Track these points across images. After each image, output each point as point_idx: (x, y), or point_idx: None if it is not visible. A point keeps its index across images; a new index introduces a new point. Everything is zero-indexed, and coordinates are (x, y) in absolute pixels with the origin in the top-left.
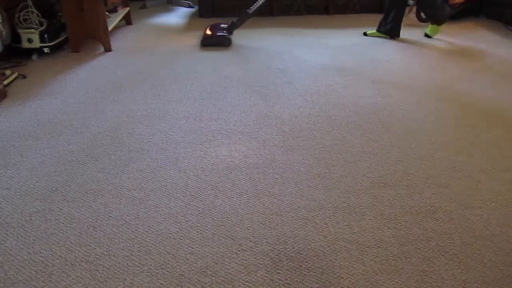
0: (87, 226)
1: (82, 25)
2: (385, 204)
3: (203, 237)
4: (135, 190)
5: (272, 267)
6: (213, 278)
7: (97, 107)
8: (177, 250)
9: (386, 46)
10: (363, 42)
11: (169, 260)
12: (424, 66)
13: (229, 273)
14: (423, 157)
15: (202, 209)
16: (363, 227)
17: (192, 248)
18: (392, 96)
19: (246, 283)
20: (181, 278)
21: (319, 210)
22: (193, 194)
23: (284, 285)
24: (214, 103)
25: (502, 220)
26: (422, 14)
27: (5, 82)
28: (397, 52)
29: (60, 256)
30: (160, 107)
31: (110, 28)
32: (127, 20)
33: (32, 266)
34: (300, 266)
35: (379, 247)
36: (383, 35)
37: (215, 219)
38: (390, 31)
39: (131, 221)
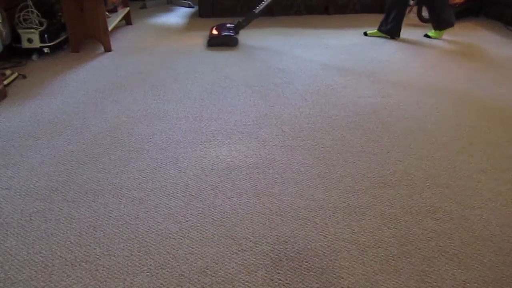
0: (87, 226)
1: (82, 25)
2: (385, 204)
3: (203, 237)
4: (135, 190)
5: (272, 267)
6: (213, 278)
7: (97, 107)
8: (177, 250)
9: (386, 46)
10: (363, 42)
11: (169, 260)
12: (424, 66)
13: (229, 273)
14: (423, 157)
15: (202, 209)
16: (363, 227)
17: (192, 248)
18: (392, 96)
19: (246, 283)
20: (181, 278)
21: (319, 210)
22: (193, 194)
23: (284, 285)
24: (214, 103)
25: (502, 220)
26: (424, 15)
27: (5, 82)
28: (397, 52)
29: (60, 256)
30: (160, 107)
31: (110, 28)
32: (127, 20)
33: (32, 266)
34: (300, 266)
35: (379, 247)
36: (384, 35)
37: (215, 219)
38: (391, 30)
39: (131, 221)
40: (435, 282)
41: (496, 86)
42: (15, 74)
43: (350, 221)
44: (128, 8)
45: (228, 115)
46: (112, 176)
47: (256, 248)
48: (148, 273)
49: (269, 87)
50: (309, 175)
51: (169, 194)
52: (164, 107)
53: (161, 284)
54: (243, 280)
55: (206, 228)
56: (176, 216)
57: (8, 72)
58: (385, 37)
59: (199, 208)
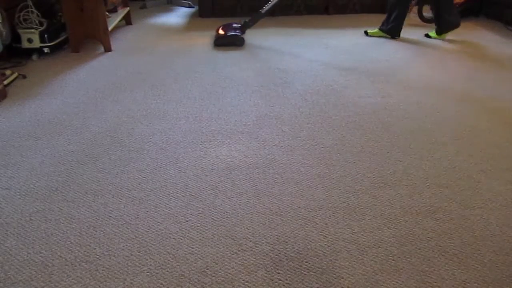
0: (87, 226)
1: (82, 25)
2: (385, 204)
3: (203, 237)
4: (135, 190)
5: (272, 267)
6: (213, 278)
7: (97, 107)
8: (177, 250)
9: (386, 46)
10: (363, 42)
11: (169, 260)
12: (424, 66)
13: (229, 273)
14: (423, 157)
15: (202, 209)
16: (363, 227)
17: (192, 248)
18: (392, 96)
19: (246, 283)
20: (181, 278)
21: (319, 210)
22: (193, 194)
23: (284, 285)
24: (214, 103)
25: (502, 220)
26: (425, 15)
27: (5, 82)
28: (397, 52)
29: (60, 256)
30: (160, 107)
31: (110, 28)
32: (127, 20)
33: (32, 266)
34: (300, 266)
35: (379, 247)
36: (384, 34)
37: (215, 219)
38: (391, 30)
39: (131, 221)
40: (435, 282)
41: (496, 86)
42: (15, 74)
43: (350, 221)
44: (128, 8)
45: (228, 115)
46: (112, 176)
47: (256, 248)
48: (148, 273)
49: (269, 87)
50: (309, 175)
51: (169, 194)
52: (164, 107)
53: (161, 284)
54: (243, 280)
55: (206, 228)
56: (176, 216)
57: (8, 72)
58: (386, 37)
59: (199, 208)
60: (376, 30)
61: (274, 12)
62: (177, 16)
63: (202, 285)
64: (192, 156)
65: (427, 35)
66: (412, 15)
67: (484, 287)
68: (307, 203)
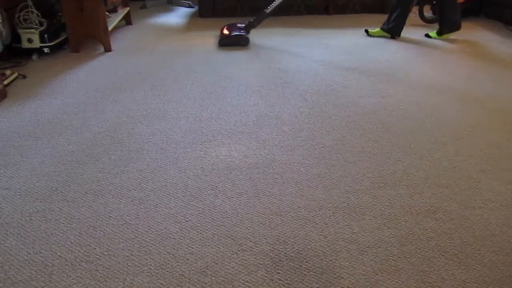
0: (87, 226)
1: (82, 25)
2: (385, 204)
3: (203, 237)
4: (135, 190)
5: (272, 267)
6: (213, 278)
7: (97, 107)
8: (177, 250)
9: (386, 46)
10: (363, 42)
11: (169, 260)
12: (424, 66)
13: (229, 273)
14: (423, 157)
15: (202, 209)
16: (363, 227)
17: (192, 248)
18: (392, 96)
19: (246, 283)
20: (181, 278)
21: (319, 210)
22: (193, 194)
23: (284, 285)
24: (214, 103)
25: (502, 220)
26: (426, 14)
27: (5, 82)
28: (397, 52)
29: (60, 256)
30: (160, 107)
31: (110, 28)
32: (127, 20)
33: (32, 266)
34: (300, 266)
35: (379, 247)
36: (385, 34)
37: (215, 219)
38: (392, 29)
39: (131, 221)
40: (435, 282)
41: (496, 86)
42: (15, 74)
43: (350, 221)
44: (128, 8)
45: (228, 115)
46: (112, 176)
47: (256, 248)
48: (148, 273)
49: (269, 87)
50: (309, 175)
51: (169, 194)
52: (164, 107)
53: (161, 284)
54: (243, 280)
55: (206, 228)
56: (176, 216)
57: (8, 72)
58: (386, 37)
59: (199, 208)
60: (377, 29)
61: (274, 12)
62: (177, 16)
63: (202, 285)
64: (192, 156)
65: (427, 35)
66: (413, 15)
67: (484, 287)
68: (307, 203)
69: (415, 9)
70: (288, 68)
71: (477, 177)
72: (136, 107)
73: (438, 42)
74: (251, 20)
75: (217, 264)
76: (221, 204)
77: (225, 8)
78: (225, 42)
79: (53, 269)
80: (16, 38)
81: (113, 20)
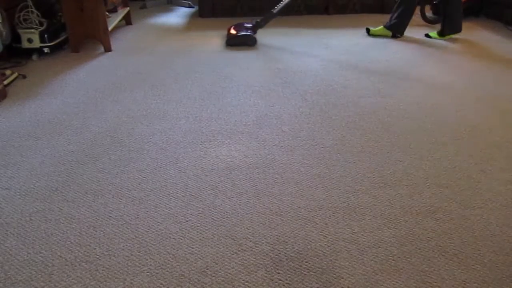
0: (87, 226)
1: (82, 25)
2: (385, 204)
3: (203, 237)
4: (135, 190)
5: (272, 267)
6: (213, 278)
7: (97, 107)
8: (177, 250)
9: (386, 46)
10: (363, 42)
11: (169, 260)
12: (424, 66)
13: (229, 273)
14: (423, 157)
15: (202, 209)
16: (363, 227)
17: (192, 248)
18: (392, 96)
19: (246, 283)
20: (181, 278)
21: (319, 210)
22: (193, 194)
23: (284, 285)
24: (214, 103)
25: (502, 220)
26: (427, 14)
27: (5, 82)
28: (398, 52)
29: (60, 256)
30: (160, 107)
31: (110, 28)
32: (127, 20)
33: (32, 266)
34: (300, 266)
35: (379, 247)
36: (386, 33)
37: (215, 219)
38: (393, 26)
39: (131, 221)
40: (435, 282)
41: (496, 86)
42: (15, 74)
43: (350, 221)
44: (128, 8)
45: (228, 115)
46: (112, 176)
47: (256, 248)
48: (148, 273)
49: (269, 87)
50: (309, 175)
51: (169, 194)
52: (164, 107)
53: (161, 284)
54: (243, 280)
55: (206, 228)
56: (176, 216)
57: (8, 72)
58: (387, 35)
59: (199, 208)
60: (379, 27)
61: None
62: (177, 16)
63: (202, 285)
64: (192, 156)
65: (427, 35)
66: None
67: (484, 287)
68: (307, 203)
69: (416, 10)
70: (288, 68)
71: (477, 177)
72: (136, 107)
73: (438, 42)
74: (258, 20)
75: (217, 264)
76: (221, 204)
77: (225, 8)
78: (233, 42)
79: (53, 269)
80: (16, 38)
81: (113, 20)
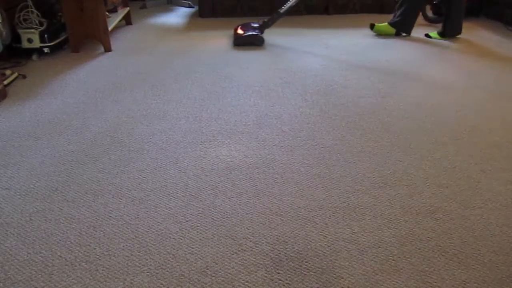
0: (87, 226)
1: (82, 25)
2: (385, 204)
3: (203, 237)
4: (135, 190)
5: (272, 267)
6: (213, 278)
7: (97, 107)
8: (177, 250)
9: (386, 46)
10: (363, 42)
11: (169, 260)
12: (424, 66)
13: (229, 273)
14: (423, 157)
15: (202, 209)
16: (363, 227)
17: (192, 248)
18: (392, 96)
19: (246, 283)
20: (181, 278)
21: (319, 210)
22: (193, 194)
23: (284, 285)
24: (214, 103)
25: (502, 220)
26: (428, 14)
27: (5, 82)
28: (398, 52)
29: (60, 256)
30: (160, 107)
31: (110, 28)
32: (127, 20)
33: (32, 266)
34: (300, 266)
35: (379, 247)
36: (389, 31)
37: (215, 219)
38: (396, 24)
39: (131, 221)
40: (435, 282)
41: (496, 86)
42: (15, 74)
43: (350, 221)
44: (128, 8)
45: (228, 115)
46: (112, 176)
47: (256, 248)
48: (148, 273)
49: (269, 87)
50: (309, 175)
51: (169, 194)
52: (164, 107)
53: (161, 284)
54: (243, 280)
55: (206, 228)
56: (176, 216)
57: (8, 72)
58: (390, 33)
59: (199, 208)
60: (384, 24)
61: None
62: (177, 16)
63: (202, 285)
64: (192, 156)
65: (427, 35)
66: None
67: (484, 287)
68: (307, 203)
69: None
70: (288, 68)
71: (477, 177)
72: (136, 107)
73: (438, 42)
74: (265, 19)
75: (217, 264)
76: (221, 204)
77: (225, 8)
78: (240, 42)
79: (53, 269)
80: (16, 38)
81: (113, 20)
